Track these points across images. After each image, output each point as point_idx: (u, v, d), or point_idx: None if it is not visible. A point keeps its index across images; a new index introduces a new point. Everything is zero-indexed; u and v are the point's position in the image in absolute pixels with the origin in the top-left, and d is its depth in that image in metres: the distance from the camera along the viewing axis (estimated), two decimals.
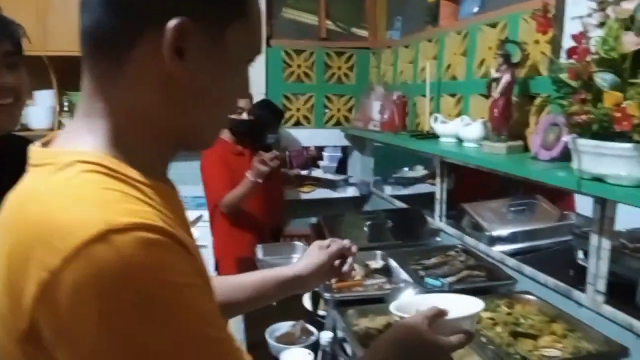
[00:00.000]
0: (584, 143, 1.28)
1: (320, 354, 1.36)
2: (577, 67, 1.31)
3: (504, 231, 2.17)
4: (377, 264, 1.66)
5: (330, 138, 3.41)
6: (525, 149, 1.84)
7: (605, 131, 1.22)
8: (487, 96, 1.90)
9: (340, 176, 3.33)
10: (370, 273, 1.60)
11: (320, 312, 1.66)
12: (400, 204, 2.75)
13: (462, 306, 0.90)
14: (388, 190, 3.15)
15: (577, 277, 1.71)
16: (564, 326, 1.25)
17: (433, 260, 1.74)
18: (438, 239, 2.14)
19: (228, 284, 1.00)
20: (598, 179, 1.27)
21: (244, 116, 2.60)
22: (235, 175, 2.55)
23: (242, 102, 2.56)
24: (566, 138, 1.52)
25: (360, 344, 1.20)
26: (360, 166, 3.44)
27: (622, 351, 1.11)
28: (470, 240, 2.06)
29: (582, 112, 1.28)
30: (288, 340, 1.48)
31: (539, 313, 1.32)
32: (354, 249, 1.09)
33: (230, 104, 0.66)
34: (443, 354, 0.83)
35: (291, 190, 3.21)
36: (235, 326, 1.70)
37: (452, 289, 1.44)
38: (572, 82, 1.34)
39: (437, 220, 2.36)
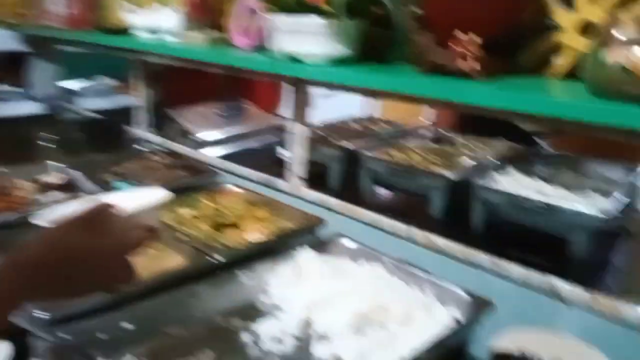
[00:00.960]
0: (280, 20, 1.20)
1: None
2: None
3: (212, 135, 2.07)
4: (53, 177, 1.31)
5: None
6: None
7: (300, 6, 1.16)
8: None
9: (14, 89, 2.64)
10: (43, 189, 1.25)
11: None
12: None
13: (144, 200, 0.71)
14: (83, 103, 2.67)
15: (281, 170, 1.75)
16: (267, 210, 1.22)
17: (128, 166, 1.49)
18: (140, 148, 1.89)
19: None
20: (294, 59, 1.23)
21: None
22: None
23: None
24: (262, 21, 1.45)
25: None
26: (43, 76, 2.79)
27: (318, 222, 1.13)
28: (177, 147, 1.88)
29: None
30: None
31: (243, 202, 1.26)
32: None
33: None
34: (116, 257, 0.61)
35: None
36: None
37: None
38: None
39: (140, 130, 2.09)
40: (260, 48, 1.47)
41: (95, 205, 0.63)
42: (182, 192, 1.31)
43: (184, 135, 2.04)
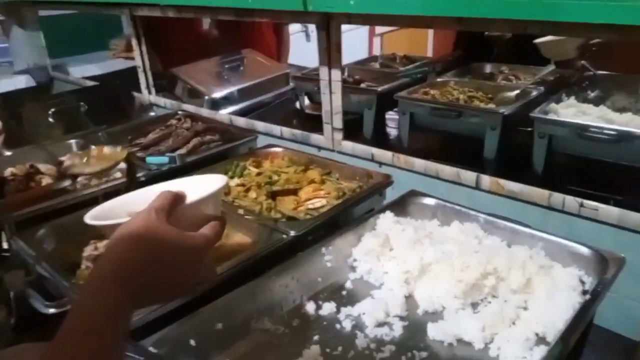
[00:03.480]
0: None
1: (13, 305, 0.89)
2: None
3: (224, 91, 1.91)
4: (75, 158, 1.17)
5: None
6: None
7: None
8: None
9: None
10: (64, 173, 1.12)
11: (5, 245, 1.13)
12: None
13: (194, 188, 0.60)
14: (77, 72, 2.48)
15: (309, 123, 1.61)
16: (319, 171, 1.09)
17: (152, 136, 1.34)
18: (152, 114, 1.74)
19: None
20: None
21: None
22: None
23: None
24: None
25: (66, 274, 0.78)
26: (27, 46, 2.57)
27: (386, 180, 1.01)
28: (190, 109, 1.73)
29: None
30: None
31: (291, 164, 1.13)
32: None
33: None
34: (199, 254, 0.53)
35: None
36: None
37: (185, 163, 1.11)
38: None
39: (146, 94, 1.92)
40: None
41: (164, 195, 0.55)
42: (219, 159, 1.19)
43: (194, 95, 1.88)
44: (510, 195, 1.08)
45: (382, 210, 0.86)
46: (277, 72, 2.14)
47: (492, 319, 0.65)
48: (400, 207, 0.89)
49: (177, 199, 0.55)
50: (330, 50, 1.29)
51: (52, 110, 1.56)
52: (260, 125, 1.56)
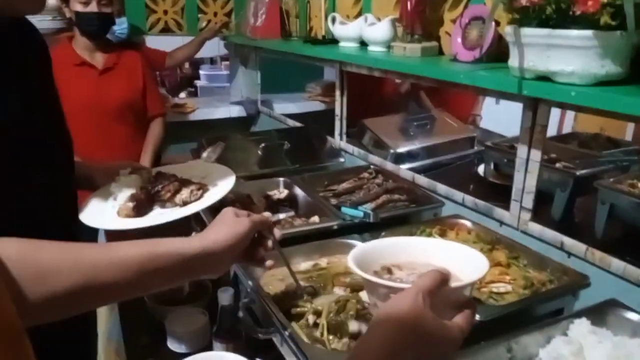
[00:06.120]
0: (530, 33, 1.05)
1: (219, 315, 1.04)
2: None
3: (408, 147, 1.99)
4: (280, 193, 1.34)
5: (207, 48, 2.90)
6: (440, 51, 1.60)
7: (560, 15, 0.99)
8: None
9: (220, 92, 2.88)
10: (273, 205, 1.28)
11: None
12: (294, 124, 2.43)
13: (455, 265, 0.61)
14: (278, 108, 2.80)
15: (490, 190, 1.58)
16: (506, 253, 1.07)
17: (345, 185, 1.46)
18: (341, 159, 1.88)
19: (83, 260, 0.57)
20: (544, 78, 1.07)
21: (94, 7, 1.95)
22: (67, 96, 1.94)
23: None
24: (492, 32, 1.31)
25: (275, 304, 0.88)
26: (245, 82, 3.01)
27: (582, 280, 0.95)
28: (375, 159, 1.83)
29: None
30: (172, 299, 1.14)
31: (478, 240, 1.13)
32: (277, 233, 0.82)
33: None
34: (454, 346, 0.55)
35: (169, 112, 2.71)
36: None
37: (378, 219, 1.18)
38: None
39: (338, 139, 2.10)
40: (485, 61, 1.34)
41: (432, 274, 0.56)
42: (404, 220, 1.24)
43: (379, 147, 1.99)
44: None
45: (577, 315, 0.81)
46: (462, 135, 2.15)
47: None
48: (597, 315, 0.83)
49: (443, 281, 0.56)
50: (533, 131, 1.27)
51: (262, 145, 1.80)
52: (442, 188, 1.57)
